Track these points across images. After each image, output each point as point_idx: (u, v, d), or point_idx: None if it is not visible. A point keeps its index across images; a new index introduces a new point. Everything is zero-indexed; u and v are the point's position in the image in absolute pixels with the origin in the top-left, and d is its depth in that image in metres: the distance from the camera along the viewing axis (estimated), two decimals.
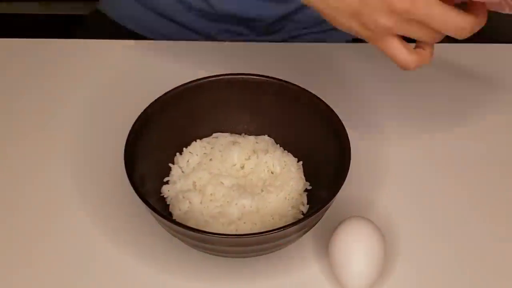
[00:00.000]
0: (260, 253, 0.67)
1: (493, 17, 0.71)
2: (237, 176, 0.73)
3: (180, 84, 0.74)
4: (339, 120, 0.71)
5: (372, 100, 0.86)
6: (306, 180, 0.74)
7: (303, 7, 0.98)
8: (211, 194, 0.71)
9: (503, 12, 0.67)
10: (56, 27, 1.22)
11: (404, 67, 0.66)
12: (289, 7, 0.98)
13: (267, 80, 0.75)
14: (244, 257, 0.69)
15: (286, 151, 0.76)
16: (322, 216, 0.67)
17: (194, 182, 0.72)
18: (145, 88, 0.82)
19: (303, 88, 0.74)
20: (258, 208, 0.70)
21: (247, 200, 0.70)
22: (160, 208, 0.71)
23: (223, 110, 0.76)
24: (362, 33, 0.66)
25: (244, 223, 0.69)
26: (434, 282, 0.70)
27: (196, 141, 0.76)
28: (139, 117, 0.71)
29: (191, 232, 0.63)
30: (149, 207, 0.64)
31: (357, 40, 0.75)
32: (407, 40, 0.66)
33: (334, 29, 0.68)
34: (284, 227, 0.63)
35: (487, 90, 0.89)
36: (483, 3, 0.64)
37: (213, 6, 0.97)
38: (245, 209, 0.70)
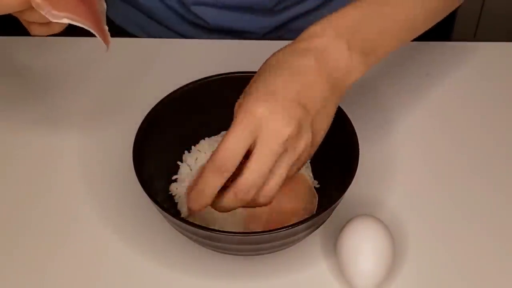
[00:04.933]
0: (268, 251, 0.67)
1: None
2: None
3: (188, 82, 0.74)
4: (348, 118, 0.71)
5: (381, 98, 0.86)
6: (314, 179, 0.74)
7: (299, 17, 0.98)
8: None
9: None
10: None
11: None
12: (280, 19, 0.97)
13: None
14: (252, 255, 0.69)
15: None
16: (330, 215, 0.67)
17: None
18: (152, 86, 0.82)
19: None
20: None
21: None
22: (169, 206, 0.71)
23: (231, 108, 0.76)
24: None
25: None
26: (442, 282, 0.69)
27: (204, 139, 0.76)
28: (148, 115, 0.71)
29: (199, 230, 0.63)
30: (157, 205, 0.64)
31: None
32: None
33: None
34: (292, 225, 0.63)
35: (497, 89, 0.88)
36: None
37: (204, 19, 0.97)
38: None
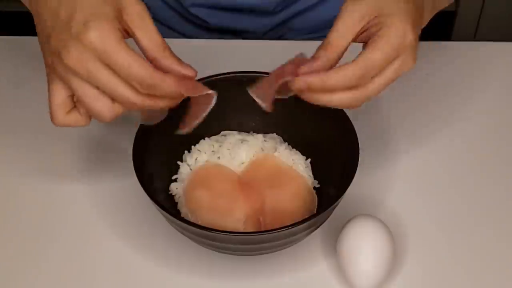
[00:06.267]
0: (269, 251, 0.67)
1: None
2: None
3: None
4: (348, 118, 0.71)
5: (380, 98, 0.86)
6: (314, 178, 0.74)
7: (298, 14, 0.98)
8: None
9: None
10: None
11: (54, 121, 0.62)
12: (280, 17, 0.98)
13: None
14: (252, 255, 0.69)
15: (294, 149, 0.76)
16: (330, 215, 0.67)
17: None
18: None
19: None
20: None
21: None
22: (169, 206, 0.71)
23: (231, 108, 0.76)
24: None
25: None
26: (442, 282, 0.70)
27: (204, 139, 0.76)
28: None
29: (199, 230, 0.63)
30: (157, 204, 0.64)
31: None
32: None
33: None
34: (292, 225, 0.63)
35: (497, 89, 0.88)
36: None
37: (203, 19, 0.97)
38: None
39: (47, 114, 0.84)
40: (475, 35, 1.83)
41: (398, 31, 0.60)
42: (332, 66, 0.61)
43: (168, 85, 0.58)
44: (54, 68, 0.59)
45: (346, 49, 0.61)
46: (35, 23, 0.62)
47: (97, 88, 0.58)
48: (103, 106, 0.58)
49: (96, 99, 0.58)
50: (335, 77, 0.59)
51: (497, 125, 0.84)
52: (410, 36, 0.60)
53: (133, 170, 0.66)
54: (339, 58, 0.61)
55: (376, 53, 0.59)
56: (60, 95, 0.60)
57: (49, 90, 0.61)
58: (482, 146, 0.81)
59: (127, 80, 0.57)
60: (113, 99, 0.58)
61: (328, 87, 0.60)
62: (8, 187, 0.77)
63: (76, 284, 0.69)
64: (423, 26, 0.66)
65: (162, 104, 0.60)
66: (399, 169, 0.79)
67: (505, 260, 0.71)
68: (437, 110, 0.85)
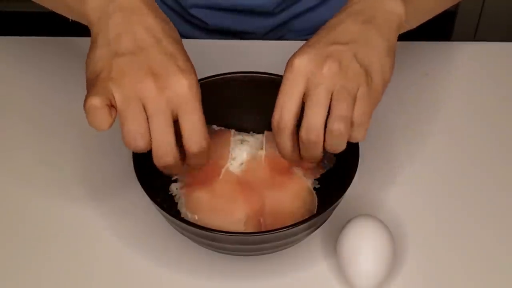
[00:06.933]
0: (269, 251, 0.67)
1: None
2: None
3: None
4: None
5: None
6: (314, 179, 0.74)
7: (298, 15, 0.98)
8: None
9: None
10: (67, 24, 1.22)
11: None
12: (280, 19, 0.98)
13: (275, 78, 0.75)
14: (252, 255, 0.69)
15: None
16: (330, 215, 0.67)
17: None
18: None
19: None
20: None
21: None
22: (169, 206, 0.71)
23: (231, 108, 0.76)
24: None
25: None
26: (442, 282, 0.70)
27: None
28: None
29: (199, 230, 0.63)
30: (157, 205, 0.64)
31: None
32: None
33: None
34: (292, 226, 0.63)
35: (497, 89, 0.88)
36: None
37: (203, 20, 0.97)
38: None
39: (47, 114, 0.84)
40: (475, 35, 1.83)
41: (288, 66, 0.62)
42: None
43: (204, 157, 0.63)
44: (118, 77, 0.59)
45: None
46: (97, 26, 0.63)
47: (147, 123, 0.59)
48: (141, 140, 0.60)
49: (142, 134, 0.59)
50: (276, 121, 0.63)
51: (496, 125, 0.84)
52: (296, 61, 0.61)
53: (133, 170, 0.66)
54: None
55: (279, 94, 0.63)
56: (106, 92, 0.59)
57: (95, 85, 0.59)
58: (482, 146, 0.81)
59: (186, 134, 0.60)
60: (151, 139, 0.60)
61: (281, 134, 0.63)
62: (7, 187, 0.77)
63: (76, 285, 0.69)
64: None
65: (175, 170, 0.63)
66: (399, 170, 0.79)
67: (505, 260, 0.71)
68: (437, 110, 0.85)
